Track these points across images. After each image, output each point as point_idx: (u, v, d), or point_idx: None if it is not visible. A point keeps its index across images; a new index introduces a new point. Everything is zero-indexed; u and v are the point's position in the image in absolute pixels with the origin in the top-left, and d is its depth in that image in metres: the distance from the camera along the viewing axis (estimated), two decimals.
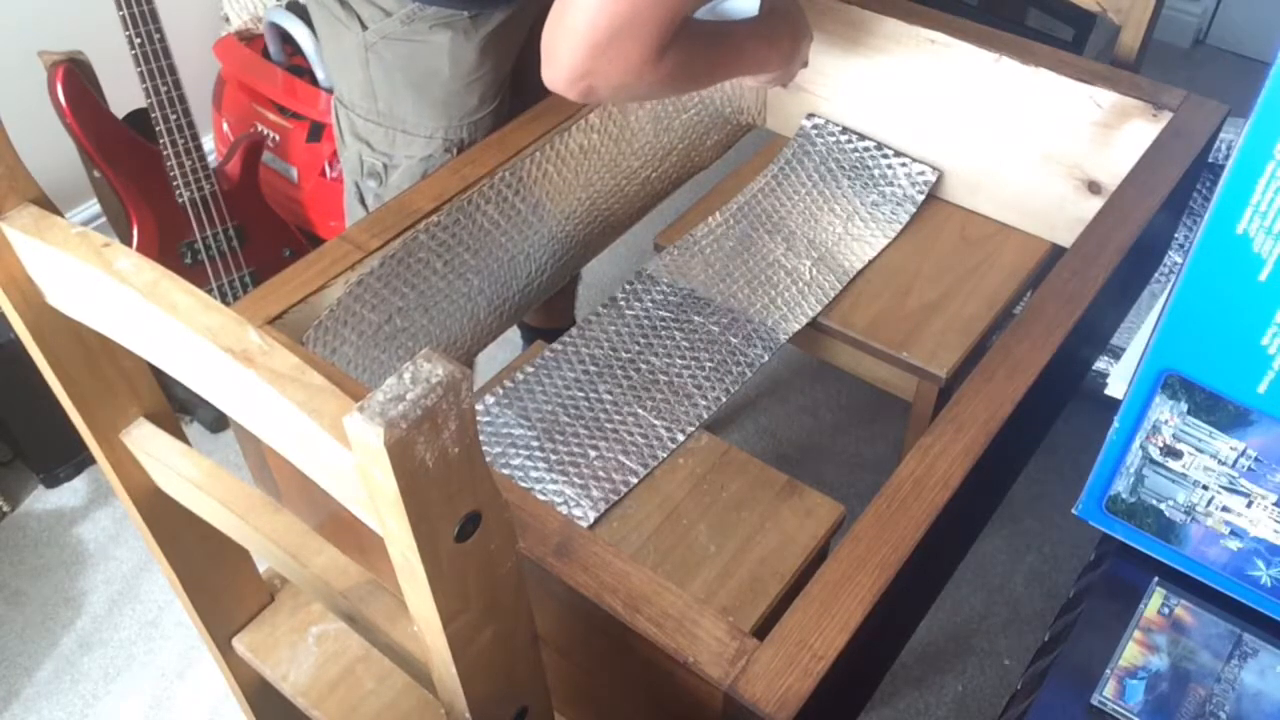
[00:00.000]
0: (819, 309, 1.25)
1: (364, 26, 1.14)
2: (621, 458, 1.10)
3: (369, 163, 1.23)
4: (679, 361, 1.19)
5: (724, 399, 1.16)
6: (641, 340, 1.21)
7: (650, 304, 1.25)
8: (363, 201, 1.27)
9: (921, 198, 1.36)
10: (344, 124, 1.25)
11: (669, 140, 1.32)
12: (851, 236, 1.33)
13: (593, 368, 1.18)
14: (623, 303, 1.25)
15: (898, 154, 1.38)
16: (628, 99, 0.89)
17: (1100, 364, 1.58)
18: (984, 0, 2.07)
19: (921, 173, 1.36)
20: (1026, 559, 1.63)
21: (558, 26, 0.83)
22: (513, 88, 1.25)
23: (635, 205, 1.34)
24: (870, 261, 1.31)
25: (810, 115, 1.42)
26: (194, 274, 1.62)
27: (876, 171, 1.38)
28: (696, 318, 1.24)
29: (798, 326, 1.23)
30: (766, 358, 1.20)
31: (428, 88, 1.17)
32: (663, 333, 1.22)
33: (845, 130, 1.41)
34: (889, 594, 0.74)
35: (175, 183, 1.54)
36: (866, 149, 1.39)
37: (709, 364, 1.19)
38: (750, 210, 1.36)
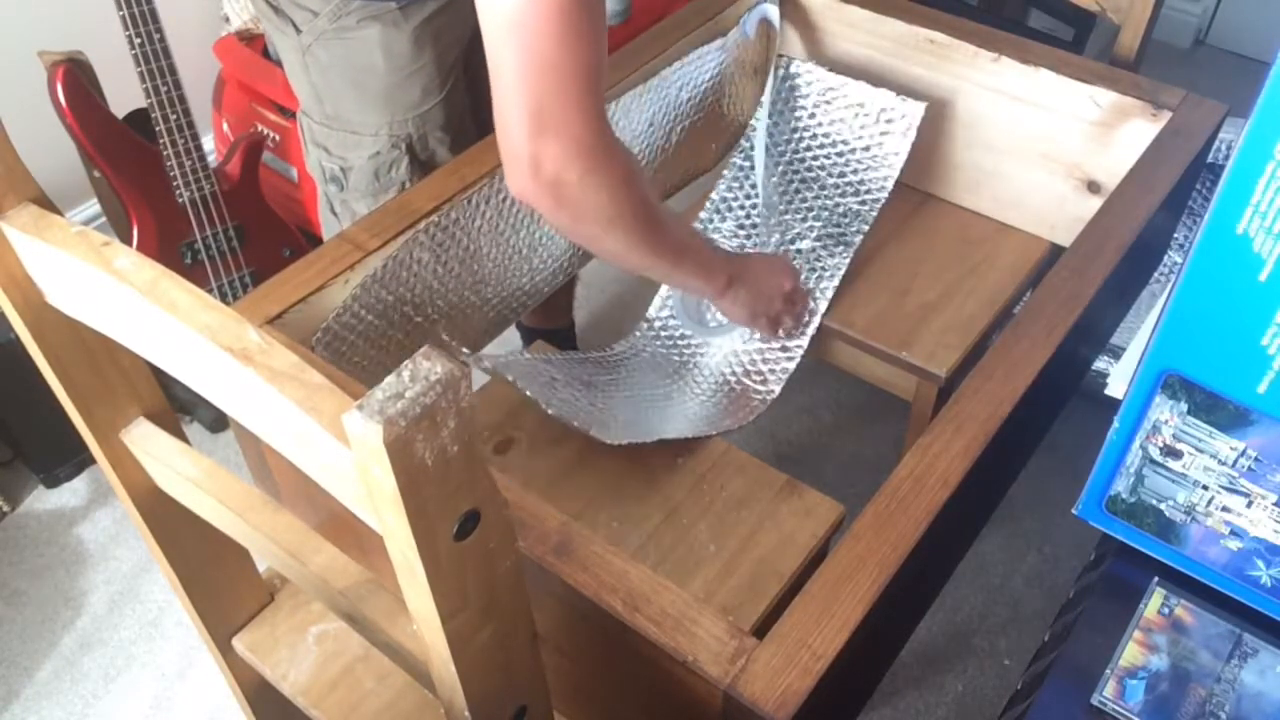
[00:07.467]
0: (830, 291, 1.26)
1: (298, 30, 1.14)
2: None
3: (328, 168, 1.22)
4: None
5: (777, 392, 1.22)
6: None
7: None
8: (333, 210, 1.26)
9: (909, 143, 1.29)
10: (306, 132, 1.24)
11: (670, 142, 1.32)
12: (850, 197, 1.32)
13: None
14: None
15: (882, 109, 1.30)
16: (600, 204, 0.84)
17: (1100, 364, 1.58)
18: (984, 0, 2.07)
19: (904, 115, 1.28)
20: (1026, 559, 1.63)
21: (501, 125, 0.81)
22: (468, 80, 1.23)
23: None
24: (869, 257, 1.31)
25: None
26: (194, 274, 1.62)
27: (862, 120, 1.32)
28: (706, 315, 1.25)
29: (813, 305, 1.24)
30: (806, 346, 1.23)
31: (365, 84, 1.15)
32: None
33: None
34: (888, 593, 0.74)
35: (175, 183, 1.54)
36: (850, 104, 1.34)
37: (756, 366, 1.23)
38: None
